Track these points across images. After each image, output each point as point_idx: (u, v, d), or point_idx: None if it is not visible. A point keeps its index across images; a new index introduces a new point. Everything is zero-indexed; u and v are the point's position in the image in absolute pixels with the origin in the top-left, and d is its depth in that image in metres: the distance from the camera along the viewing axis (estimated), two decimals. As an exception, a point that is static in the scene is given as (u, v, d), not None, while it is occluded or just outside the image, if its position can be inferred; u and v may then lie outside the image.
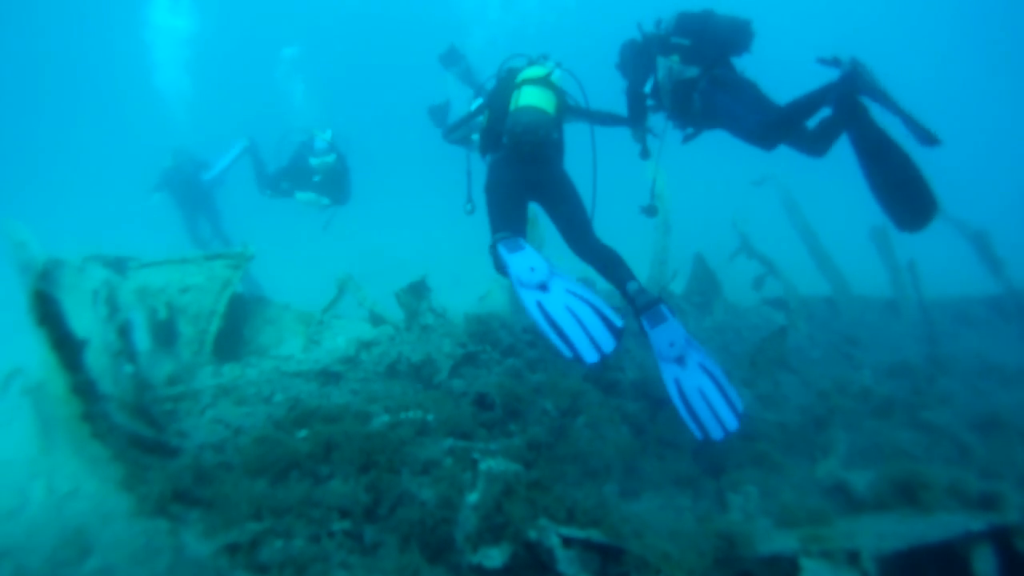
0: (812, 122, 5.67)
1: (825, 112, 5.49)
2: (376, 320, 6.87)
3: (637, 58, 6.45)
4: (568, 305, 4.80)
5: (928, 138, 4.94)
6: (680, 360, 4.98)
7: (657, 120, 6.66)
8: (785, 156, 5.99)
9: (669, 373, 4.97)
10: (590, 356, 4.65)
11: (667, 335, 5.01)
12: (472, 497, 3.35)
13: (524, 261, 4.97)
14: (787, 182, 10.62)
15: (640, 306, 5.20)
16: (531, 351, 6.09)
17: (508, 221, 5.69)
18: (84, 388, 3.08)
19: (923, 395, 6.55)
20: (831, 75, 5.33)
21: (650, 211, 7.04)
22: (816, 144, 5.72)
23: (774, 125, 5.65)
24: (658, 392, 5.43)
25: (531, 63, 6.13)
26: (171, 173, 13.01)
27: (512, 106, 5.66)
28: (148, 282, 6.55)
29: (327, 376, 5.77)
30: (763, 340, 6.50)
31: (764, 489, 4.44)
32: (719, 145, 7.21)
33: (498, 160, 5.91)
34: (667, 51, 6.14)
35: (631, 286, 5.34)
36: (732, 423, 4.76)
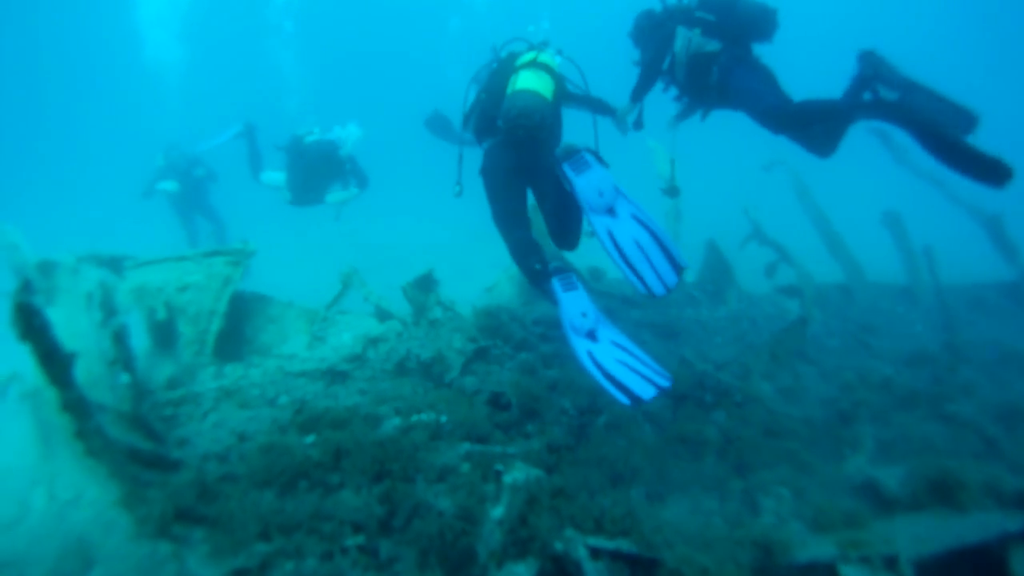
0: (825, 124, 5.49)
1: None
2: (382, 315, 6.66)
3: (655, 28, 6.30)
4: (617, 359, 4.45)
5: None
6: (611, 211, 4.67)
7: (668, 99, 6.52)
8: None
9: (601, 225, 4.66)
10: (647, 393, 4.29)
11: (594, 183, 4.68)
12: (497, 511, 3.15)
13: (577, 304, 4.66)
14: (798, 167, 10.39)
15: (561, 155, 4.86)
16: (544, 345, 5.92)
17: (507, 207, 5.59)
18: (75, 405, 2.86)
19: (945, 385, 6.38)
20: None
21: (672, 192, 6.89)
22: (824, 144, 5.57)
23: (791, 114, 5.50)
24: (678, 388, 5.24)
25: (531, 48, 5.97)
26: (164, 172, 12.80)
27: (509, 89, 5.49)
28: (145, 282, 6.34)
29: (333, 375, 5.57)
30: (782, 331, 6.30)
31: (794, 489, 4.26)
32: (729, 130, 7.03)
33: (494, 145, 5.77)
34: (690, 24, 6.02)
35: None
36: (672, 278, 4.52)
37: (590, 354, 4.44)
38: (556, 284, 4.78)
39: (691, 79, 6.10)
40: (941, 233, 11.27)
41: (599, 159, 4.83)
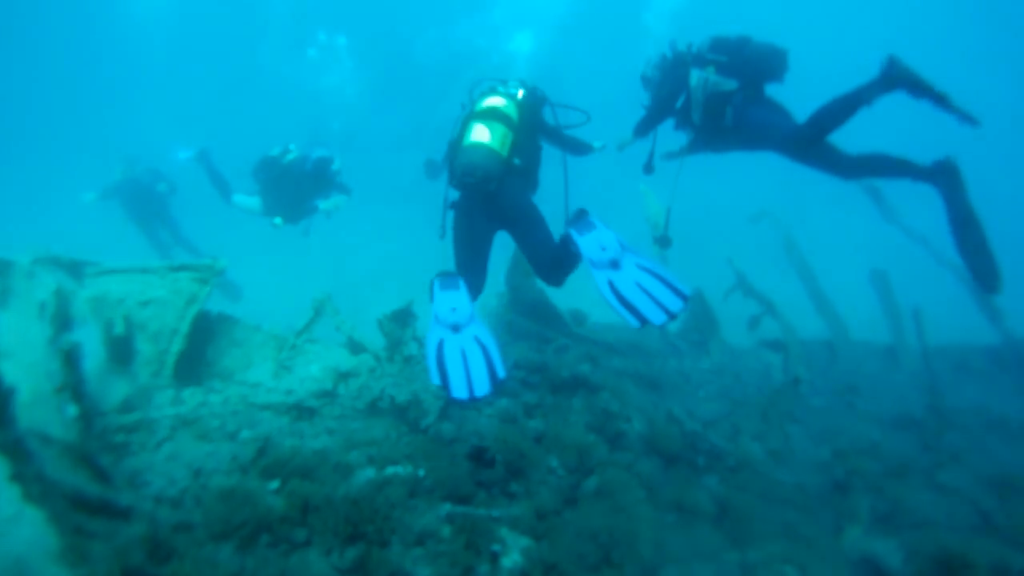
0: (861, 151, 5.50)
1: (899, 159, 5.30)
2: (355, 347, 6.28)
3: (670, 70, 6.26)
4: (464, 349, 4.66)
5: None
6: (615, 264, 4.69)
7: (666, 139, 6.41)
8: (783, 193, 5.77)
9: (603, 278, 4.68)
10: (460, 393, 4.40)
11: (598, 240, 4.79)
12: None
13: (448, 301, 4.90)
14: (786, 219, 10.27)
15: (568, 220, 5.11)
16: (526, 393, 5.60)
17: (464, 251, 5.54)
18: (12, 447, 2.49)
19: (934, 452, 6.26)
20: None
21: (663, 242, 6.71)
22: (853, 167, 5.48)
23: (811, 125, 5.53)
24: (670, 447, 4.97)
25: (492, 90, 5.83)
26: (122, 184, 12.39)
27: (462, 142, 5.40)
28: (106, 291, 5.91)
29: (300, 411, 5.20)
30: (775, 392, 6.10)
31: (796, 565, 4.01)
32: (720, 179, 6.91)
33: (459, 197, 5.65)
34: (702, 65, 6.00)
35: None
36: (676, 304, 4.51)
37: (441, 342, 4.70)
38: (435, 283, 5.03)
39: (706, 120, 6.04)
40: (926, 292, 11.17)
41: (600, 219, 4.98)
